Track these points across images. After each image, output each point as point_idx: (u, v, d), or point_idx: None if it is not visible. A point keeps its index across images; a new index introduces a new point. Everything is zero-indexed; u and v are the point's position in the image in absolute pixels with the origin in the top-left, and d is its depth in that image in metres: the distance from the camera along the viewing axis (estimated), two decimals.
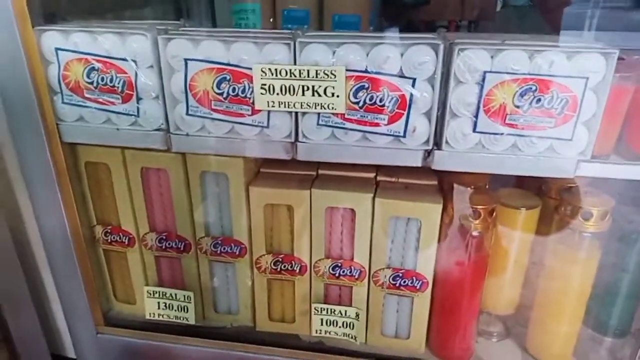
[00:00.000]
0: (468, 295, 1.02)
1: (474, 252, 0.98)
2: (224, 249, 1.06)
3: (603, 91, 0.76)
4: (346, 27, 1.33)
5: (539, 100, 0.76)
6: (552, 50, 0.75)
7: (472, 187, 0.98)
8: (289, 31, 0.88)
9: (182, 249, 1.09)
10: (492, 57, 0.76)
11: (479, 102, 0.78)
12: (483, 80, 0.77)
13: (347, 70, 0.79)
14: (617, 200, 0.94)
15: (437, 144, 0.84)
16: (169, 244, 1.09)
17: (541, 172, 0.83)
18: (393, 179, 1.04)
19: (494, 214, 0.96)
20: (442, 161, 0.85)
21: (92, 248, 1.14)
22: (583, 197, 0.94)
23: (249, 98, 0.84)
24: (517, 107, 0.77)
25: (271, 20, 1.30)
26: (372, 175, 1.05)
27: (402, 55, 0.79)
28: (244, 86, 0.84)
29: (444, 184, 1.02)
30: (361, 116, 0.83)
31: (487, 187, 1.03)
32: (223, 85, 0.85)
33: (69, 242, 1.07)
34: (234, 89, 0.85)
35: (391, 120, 0.83)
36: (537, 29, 1.38)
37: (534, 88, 0.76)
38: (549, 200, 1.04)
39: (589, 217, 0.91)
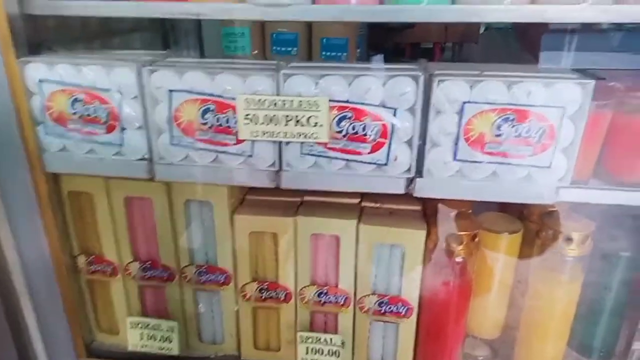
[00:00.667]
0: (453, 320, 1.02)
1: (458, 277, 0.98)
2: (209, 277, 1.05)
3: (580, 119, 0.79)
4: (334, 50, 1.36)
5: (517, 129, 0.78)
6: (529, 81, 0.77)
7: (455, 212, 0.99)
8: (273, 62, 0.89)
9: (166, 277, 1.08)
10: (470, 87, 0.78)
11: (458, 131, 0.80)
12: (462, 110, 0.79)
13: (329, 100, 0.81)
14: (600, 221, 0.96)
15: (419, 172, 0.86)
16: (152, 273, 1.08)
17: (521, 199, 0.85)
18: (377, 205, 1.05)
19: (477, 239, 0.97)
20: (423, 189, 0.86)
21: (75, 278, 1.12)
22: (564, 222, 0.95)
23: (233, 128, 0.85)
24: (496, 136, 0.79)
25: (255, 52, 1.33)
26: (356, 201, 1.06)
27: (383, 85, 0.81)
28: (228, 116, 0.85)
29: (427, 209, 1.03)
30: (344, 145, 0.84)
31: (470, 211, 1.04)
32: (207, 115, 0.85)
33: (51, 271, 1.05)
34: (218, 119, 0.85)
35: (373, 149, 0.84)
36: (518, 51, 1.41)
37: (512, 117, 0.78)
38: (531, 224, 1.05)
39: (569, 241, 0.93)
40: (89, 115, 0.90)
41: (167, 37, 1.63)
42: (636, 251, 0.98)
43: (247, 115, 0.82)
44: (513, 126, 0.78)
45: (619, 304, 1.02)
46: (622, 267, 0.99)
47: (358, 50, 1.42)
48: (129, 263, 1.09)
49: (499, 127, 0.78)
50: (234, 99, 0.83)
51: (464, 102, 0.78)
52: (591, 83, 0.76)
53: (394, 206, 1.04)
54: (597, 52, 1.30)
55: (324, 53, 1.37)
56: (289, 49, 1.38)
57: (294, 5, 0.81)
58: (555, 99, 0.76)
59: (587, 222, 0.95)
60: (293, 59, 1.37)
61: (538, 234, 0.99)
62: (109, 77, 0.88)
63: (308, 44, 1.38)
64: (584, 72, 1.20)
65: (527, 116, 0.77)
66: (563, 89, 0.76)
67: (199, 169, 0.91)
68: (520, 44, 1.44)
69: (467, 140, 0.80)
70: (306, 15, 0.84)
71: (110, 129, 0.90)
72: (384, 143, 0.84)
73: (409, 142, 0.84)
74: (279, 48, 1.38)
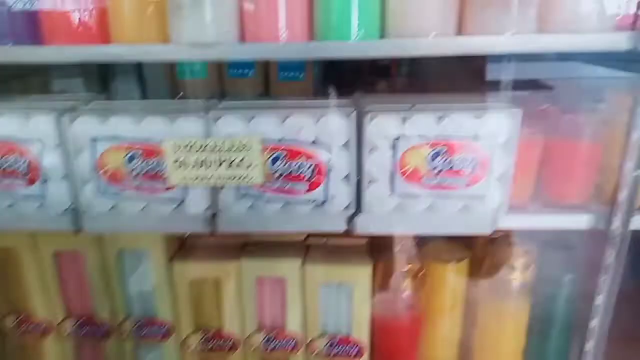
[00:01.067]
0: (405, 356, 1.00)
1: (407, 312, 0.97)
2: (149, 330, 0.99)
3: (511, 148, 0.79)
4: (291, 70, 1.33)
5: (451, 161, 0.78)
6: (458, 113, 0.77)
7: (401, 245, 0.98)
8: (203, 103, 0.87)
9: (102, 334, 1.01)
10: (402, 122, 0.78)
11: (394, 165, 0.79)
12: (395, 145, 0.78)
13: (262, 140, 0.79)
14: (544, 243, 0.96)
15: (359, 208, 0.84)
16: (88, 330, 1.01)
17: (460, 231, 0.85)
18: (323, 241, 1.02)
19: (423, 271, 0.96)
20: (364, 225, 0.85)
21: (3, 340, 1.03)
22: (507, 249, 0.96)
23: (163, 174, 0.81)
24: (431, 169, 0.79)
25: (179, 95, 1.28)
26: (302, 237, 1.03)
27: (316, 123, 0.79)
28: (157, 162, 0.81)
29: (374, 242, 1.01)
30: (280, 185, 0.82)
31: (416, 241, 1.02)
32: (134, 162, 0.81)
33: None
34: (146, 166, 0.81)
35: (311, 188, 0.82)
36: (470, 63, 1.43)
37: (444, 150, 0.78)
38: (477, 250, 1.05)
39: (513, 269, 0.93)
40: (7, 168, 0.84)
41: (106, 75, 1.56)
42: (580, 273, 0.99)
43: (176, 160, 0.79)
44: (446, 159, 0.78)
45: (566, 326, 1.02)
46: (567, 289, 1.00)
47: (315, 70, 1.40)
48: (62, 321, 1.02)
49: (432, 160, 0.78)
50: (162, 143, 0.79)
51: (397, 137, 0.78)
52: (519, 112, 0.77)
53: (340, 241, 1.02)
54: (544, 62, 1.34)
55: (281, 74, 1.34)
56: (246, 71, 1.34)
57: (220, 44, 0.78)
58: (485, 129, 0.77)
59: (530, 248, 0.96)
60: (250, 82, 1.33)
61: (483, 262, 0.99)
62: (28, 126, 0.83)
63: (265, 66, 1.35)
64: (532, 83, 1.23)
65: (459, 148, 0.77)
66: (492, 120, 0.77)
67: (130, 218, 0.86)
68: (472, 57, 1.46)
69: (403, 174, 0.80)
70: (234, 54, 0.83)
71: (31, 182, 0.85)
72: (321, 181, 0.82)
73: (347, 179, 0.82)
74: (235, 71, 1.34)
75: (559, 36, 0.75)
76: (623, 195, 0.81)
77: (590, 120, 0.89)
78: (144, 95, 1.34)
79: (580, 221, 0.87)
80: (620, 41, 0.75)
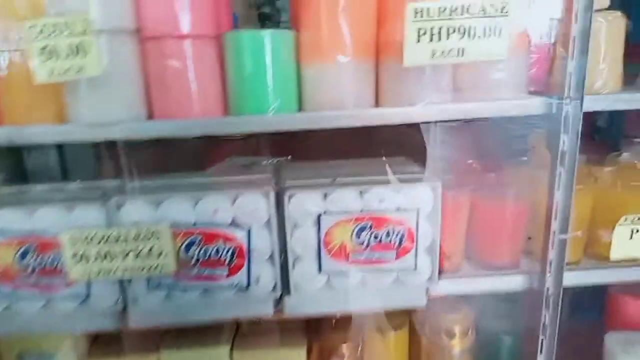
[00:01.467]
0: None
1: None
2: None
3: (435, 218, 0.77)
4: None
5: (377, 235, 0.74)
6: (380, 187, 0.74)
7: (336, 319, 0.92)
8: (110, 186, 0.79)
9: None
10: (324, 198, 0.74)
11: (319, 243, 0.75)
12: (319, 222, 0.74)
13: (173, 226, 0.72)
14: (482, 302, 0.94)
15: (287, 289, 0.78)
16: None
17: (394, 304, 0.81)
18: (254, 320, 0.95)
19: (360, 346, 0.90)
20: (294, 306, 0.79)
21: None
22: (444, 314, 0.92)
23: (63, 268, 0.72)
24: (358, 244, 0.75)
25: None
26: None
27: (233, 203, 0.74)
28: (55, 256, 0.72)
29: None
30: (198, 272, 0.75)
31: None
32: (28, 257, 0.72)
33: None
34: (42, 261, 0.72)
35: (232, 272, 0.76)
36: None
37: (369, 225, 0.74)
38: (416, 314, 1.01)
39: (452, 335, 0.89)
40: None
41: None
42: (518, 330, 0.97)
43: (75, 254, 0.70)
44: (372, 232, 0.74)
45: None
46: (506, 349, 0.97)
47: None
48: None
49: (358, 236, 0.74)
50: (58, 236, 0.71)
51: (320, 214, 0.73)
52: (439, 184, 0.74)
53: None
54: None
55: None
56: None
57: (122, 123, 0.72)
58: (408, 202, 0.74)
59: (468, 311, 0.93)
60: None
61: (422, 328, 0.95)
62: None
63: None
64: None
65: (384, 222, 0.74)
66: (413, 192, 0.74)
67: (28, 319, 0.76)
68: None
69: (329, 251, 0.75)
70: (139, 133, 0.75)
71: None
72: (242, 264, 0.76)
73: (271, 259, 0.77)
74: None
75: (473, 105, 0.75)
76: (552, 255, 0.81)
77: (515, 177, 0.89)
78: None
79: (513, 282, 0.86)
80: (533, 106, 0.76)
